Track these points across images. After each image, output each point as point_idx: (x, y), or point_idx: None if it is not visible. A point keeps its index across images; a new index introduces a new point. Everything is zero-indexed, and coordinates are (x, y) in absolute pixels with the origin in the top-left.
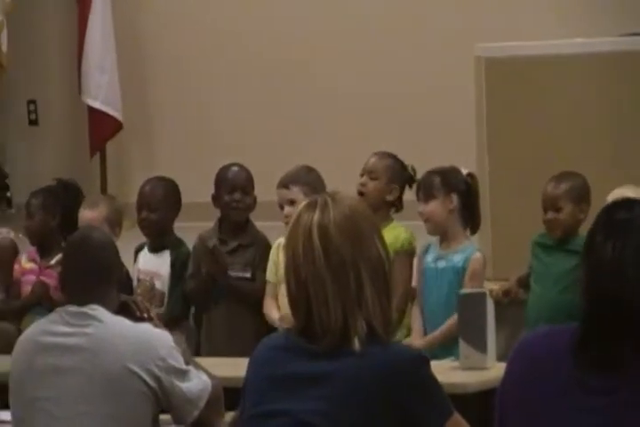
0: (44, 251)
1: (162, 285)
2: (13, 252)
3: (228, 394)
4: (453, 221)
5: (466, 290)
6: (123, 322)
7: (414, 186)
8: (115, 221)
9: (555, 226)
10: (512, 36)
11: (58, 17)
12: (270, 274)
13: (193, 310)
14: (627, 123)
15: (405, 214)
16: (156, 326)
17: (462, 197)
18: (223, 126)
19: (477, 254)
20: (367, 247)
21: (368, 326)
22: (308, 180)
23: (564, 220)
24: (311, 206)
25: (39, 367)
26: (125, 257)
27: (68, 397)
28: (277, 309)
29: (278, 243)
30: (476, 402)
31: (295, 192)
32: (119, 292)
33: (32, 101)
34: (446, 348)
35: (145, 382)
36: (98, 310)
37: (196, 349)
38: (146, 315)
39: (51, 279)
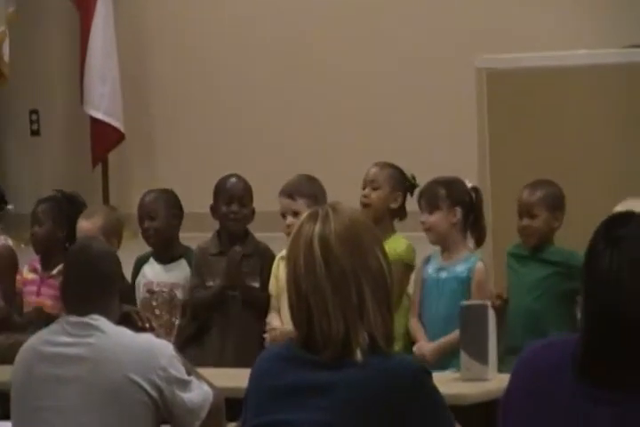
0: (47, 261)
1: (183, 294)
2: (12, 260)
3: (230, 405)
4: (455, 233)
5: (467, 302)
6: (124, 332)
7: (416, 194)
8: (111, 232)
9: (529, 233)
10: (514, 48)
11: (60, 27)
12: (272, 287)
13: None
14: (631, 135)
15: (406, 225)
16: (157, 336)
17: (465, 210)
18: (224, 137)
19: (480, 264)
20: (368, 258)
21: (369, 338)
22: (312, 190)
23: (538, 227)
24: (312, 217)
25: (40, 377)
26: (126, 268)
27: (68, 407)
28: (280, 322)
29: (280, 256)
30: (477, 413)
31: (299, 204)
32: (121, 302)
33: (34, 111)
34: (447, 359)
35: (146, 391)
36: (99, 320)
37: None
38: (147, 325)
39: (53, 289)
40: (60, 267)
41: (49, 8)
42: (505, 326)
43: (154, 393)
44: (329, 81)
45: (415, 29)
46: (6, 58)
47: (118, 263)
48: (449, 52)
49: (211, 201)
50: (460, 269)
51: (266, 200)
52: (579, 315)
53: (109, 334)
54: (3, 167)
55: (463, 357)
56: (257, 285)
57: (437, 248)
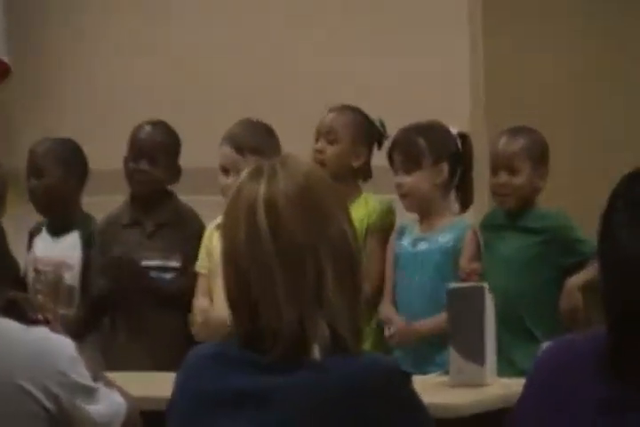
0: None
1: (72, 277)
2: None
3: (148, 419)
4: (439, 196)
5: (457, 283)
6: (9, 326)
7: (385, 146)
8: None
9: (507, 192)
10: None
11: None
12: (202, 263)
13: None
14: None
15: (374, 185)
16: (54, 330)
17: (452, 165)
18: (148, 77)
19: (472, 232)
20: (329, 227)
21: (331, 330)
22: (269, 146)
23: (519, 185)
24: (255, 175)
25: None
26: (17, 242)
27: None
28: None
29: (214, 224)
30: None
31: (249, 162)
32: (5, 286)
33: None
34: (428, 355)
35: (39, 402)
36: None
37: (110, 361)
38: (40, 316)
39: None
40: None
41: None
42: None
43: (49, 404)
44: None
45: None
46: None
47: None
48: None
49: (122, 155)
50: (445, 238)
51: (201, 154)
52: None
53: None
54: None
55: (452, 355)
56: (177, 264)
57: (413, 216)
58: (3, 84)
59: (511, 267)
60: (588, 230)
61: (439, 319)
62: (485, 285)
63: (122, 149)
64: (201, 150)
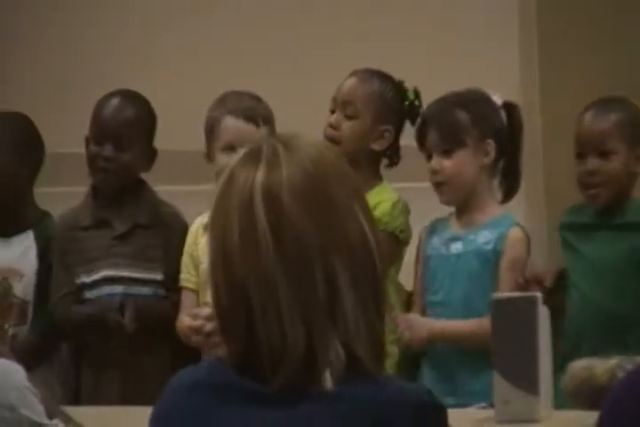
0: None
1: (23, 289)
2: None
3: None
4: (484, 183)
5: (502, 294)
6: None
7: (417, 124)
8: None
9: (598, 182)
10: None
11: None
12: (187, 276)
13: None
14: None
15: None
16: (2, 355)
17: (499, 145)
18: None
19: (517, 230)
20: (343, 225)
21: (347, 353)
22: (270, 116)
23: (613, 171)
24: (252, 159)
25: None
26: None
27: None
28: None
29: (197, 225)
30: None
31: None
32: None
33: None
34: (469, 383)
35: None
36: None
37: (73, 392)
38: None
39: None
40: None
41: None
42: (560, 332)
43: None
44: None
45: None
46: None
47: None
48: None
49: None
50: (485, 237)
51: (180, 135)
52: None
53: None
54: None
55: (497, 382)
56: (158, 276)
57: (449, 209)
58: None
59: (608, 276)
60: None
61: (474, 324)
62: (539, 295)
63: (86, 128)
64: (178, 130)
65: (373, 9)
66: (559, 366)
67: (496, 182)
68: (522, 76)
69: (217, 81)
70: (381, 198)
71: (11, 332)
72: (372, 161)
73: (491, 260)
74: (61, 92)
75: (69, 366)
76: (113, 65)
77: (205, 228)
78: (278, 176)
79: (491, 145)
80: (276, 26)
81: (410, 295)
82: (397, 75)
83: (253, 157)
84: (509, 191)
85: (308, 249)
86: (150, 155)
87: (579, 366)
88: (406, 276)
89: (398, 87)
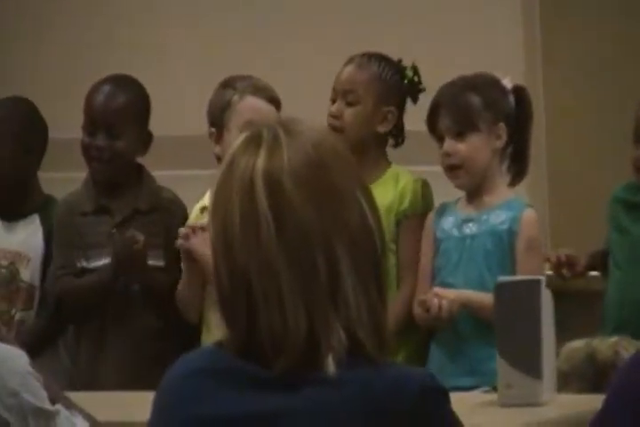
0: None
1: (31, 273)
2: None
3: None
4: (496, 165)
5: (507, 277)
6: None
7: (421, 105)
8: None
9: None
10: None
11: None
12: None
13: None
14: None
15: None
16: (3, 340)
17: (509, 128)
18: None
19: (530, 212)
20: (345, 210)
21: (349, 337)
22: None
23: None
24: (252, 144)
25: None
26: None
27: None
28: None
29: (200, 206)
30: None
31: (275, 113)
32: None
33: None
34: (473, 367)
35: None
36: None
37: (70, 378)
38: None
39: None
40: None
41: None
42: (597, 322)
43: None
44: None
45: None
46: None
47: None
48: None
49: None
50: (499, 217)
51: (180, 120)
52: None
53: None
54: None
55: (501, 366)
56: (160, 262)
57: (459, 193)
58: None
59: None
60: None
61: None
62: (542, 278)
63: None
64: (178, 115)
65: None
66: None
67: (504, 166)
68: (526, 63)
69: (218, 67)
70: (405, 181)
71: (18, 317)
72: (379, 145)
73: (505, 240)
74: (64, 77)
75: (71, 350)
76: (115, 51)
77: (203, 209)
78: (279, 161)
79: (502, 128)
80: (274, 12)
81: None
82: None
83: (254, 142)
84: (517, 175)
85: (310, 234)
86: (145, 139)
87: (575, 345)
88: None
89: (397, 67)
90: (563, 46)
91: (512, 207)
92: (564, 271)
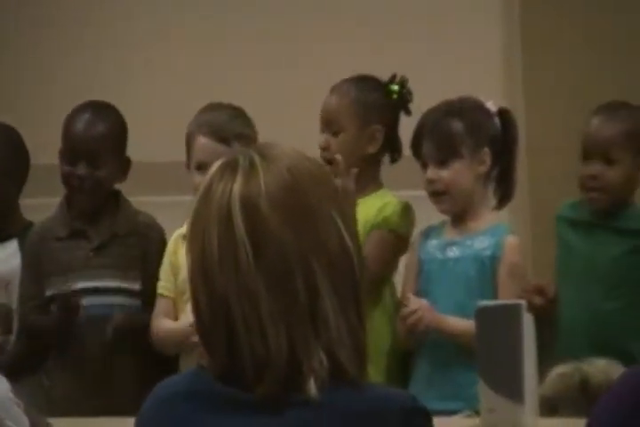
0: None
1: (8, 296)
2: None
3: None
4: (479, 190)
5: (488, 301)
6: None
7: (412, 134)
8: None
9: (601, 186)
10: None
11: None
12: (166, 284)
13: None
14: None
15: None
16: None
17: (494, 152)
18: (86, 53)
19: (513, 238)
20: (322, 233)
21: (330, 359)
22: (249, 132)
23: (616, 178)
24: (229, 170)
25: None
26: None
27: None
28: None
29: (178, 234)
30: None
31: (226, 150)
32: None
33: None
34: (456, 390)
35: None
36: None
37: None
38: None
39: None
40: None
41: None
42: (554, 341)
43: None
44: None
45: None
46: None
47: None
48: None
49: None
50: (482, 243)
51: (159, 146)
52: None
53: None
54: None
55: (483, 390)
56: (135, 286)
57: (439, 216)
58: None
59: (605, 281)
60: None
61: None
62: (523, 302)
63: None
64: (154, 142)
65: (359, 14)
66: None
67: (491, 189)
68: (505, 82)
69: (199, 91)
70: (389, 200)
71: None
72: (371, 165)
73: (487, 266)
74: (45, 103)
75: (50, 376)
76: (95, 77)
77: (185, 238)
78: (256, 186)
79: (486, 153)
80: (260, 35)
81: None
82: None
83: (230, 168)
84: (504, 198)
85: (288, 257)
86: (124, 166)
87: (564, 371)
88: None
89: (376, 84)
90: (544, 65)
91: (495, 233)
92: (537, 299)
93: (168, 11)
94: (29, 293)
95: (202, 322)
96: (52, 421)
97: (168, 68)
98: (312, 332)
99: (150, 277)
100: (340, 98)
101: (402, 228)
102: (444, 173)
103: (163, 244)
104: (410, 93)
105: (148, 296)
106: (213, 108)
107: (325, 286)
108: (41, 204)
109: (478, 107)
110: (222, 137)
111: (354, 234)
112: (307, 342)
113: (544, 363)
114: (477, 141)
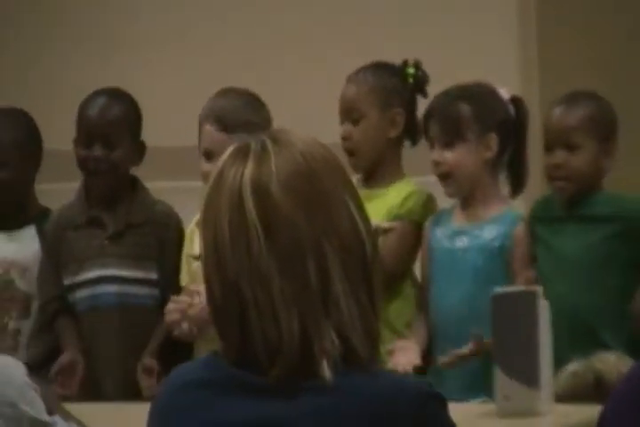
0: None
1: (27, 282)
2: None
3: None
4: (487, 176)
5: (503, 288)
6: None
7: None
8: None
9: (566, 174)
10: None
11: None
12: (185, 274)
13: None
14: None
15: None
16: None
17: (502, 137)
18: (102, 37)
19: (522, 228)
20: (334, 216)
21: (342, 342)
22: (258, 119)
23: (581, 164)
24: (240, 156)
25: None
26: None
27: None
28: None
29: (194, 223)
30: None
31: (230, 139)
32: None
33: None
34: (472, 380)
35: None
36: None
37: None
38: None
39: None
40: None
41: None
42: None
43: None
44: None
45: None
46: None
47: None
48: None
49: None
50: (491, 233)
51: (175, 131)
52: None
53: None
54: None
55: (499, 377)
56: (153, 276)
57: (452, 202)
58: None
59: (576, 269)
60: None
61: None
62: (538, 289)
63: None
64: (172, 126)
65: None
66: None
67: (503, 176)
68: (521, 74)
69: (214, 76)
70: (413, 189)
71: (13, 326)
72: (394, 153)
73: (496, 256)
74: (59, 89)
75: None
76: (109, 63)
77: (198, 225)
78: (267, 169)
79: (493, 138)
80: (272, 19)
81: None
82: None
83: (242, 153)
84: (517, 185)
85: (300, 240)
86: (140, 149)
87: (576, 369)
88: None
89: (393, 69)
90: (560, 55)
91: (504, 221)
92: None
93: None
94: (48, 281)
95: (215, 305)
96: (68, 406)
97: (183, 51)
98: (323, 315)
99: (168, 267)
100: (358, 86)
101: (424, 218)
102: (449, 155)
103: (180, 233)
104: (425, 75)
105: (166, 286)
106: (224, 93)
107: (337, 270)
108: (54, 189)
109: (489, 92)
110: (227, 125)
111: (366, 219)
112: (318, 324)
113: None
114: (484, 126)
